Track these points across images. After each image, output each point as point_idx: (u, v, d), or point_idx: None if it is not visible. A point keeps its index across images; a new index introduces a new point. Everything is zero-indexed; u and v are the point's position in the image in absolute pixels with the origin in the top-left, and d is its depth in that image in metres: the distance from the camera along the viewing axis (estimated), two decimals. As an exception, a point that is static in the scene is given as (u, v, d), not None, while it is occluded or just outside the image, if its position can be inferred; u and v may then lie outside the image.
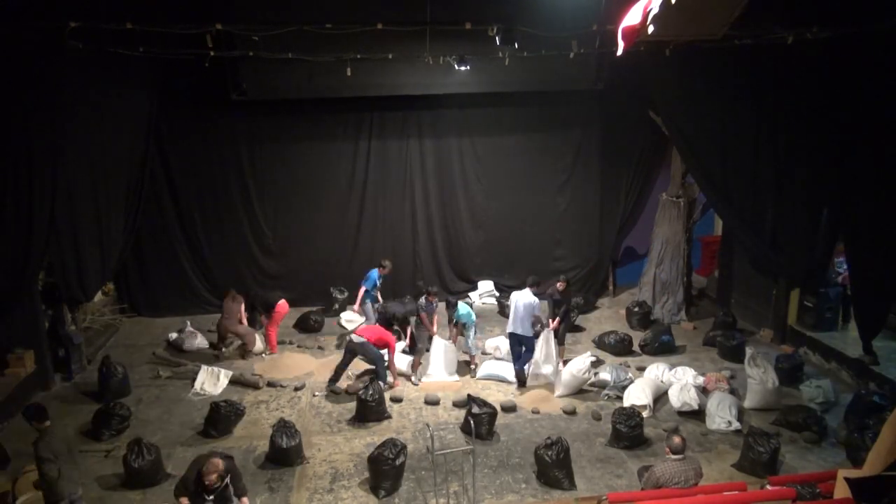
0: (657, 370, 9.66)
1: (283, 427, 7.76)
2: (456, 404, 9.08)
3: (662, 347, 10.70)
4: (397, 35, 9.32)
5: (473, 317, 10.25)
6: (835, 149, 9.18)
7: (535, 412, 8.91)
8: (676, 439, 5.96)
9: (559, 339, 9.96)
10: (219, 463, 5.77)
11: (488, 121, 12.61)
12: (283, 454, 7.64)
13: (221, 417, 8.34)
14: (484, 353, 10.59)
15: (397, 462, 7.13)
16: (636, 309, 11.88)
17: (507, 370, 9.81)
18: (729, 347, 10.55)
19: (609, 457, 7.89)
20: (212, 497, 5.71)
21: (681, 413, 8.71)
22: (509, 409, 8.92)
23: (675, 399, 8.79)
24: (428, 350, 10.10)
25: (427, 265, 13.20)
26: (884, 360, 9.34)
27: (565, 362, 9.60)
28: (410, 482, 7.37)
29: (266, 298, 11.00)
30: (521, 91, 11.78)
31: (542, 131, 12.77)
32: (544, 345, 9.34)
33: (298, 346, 11.13)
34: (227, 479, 5.84)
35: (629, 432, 7.99)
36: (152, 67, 10.19)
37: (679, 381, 9.18)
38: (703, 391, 9.11)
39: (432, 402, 9.19)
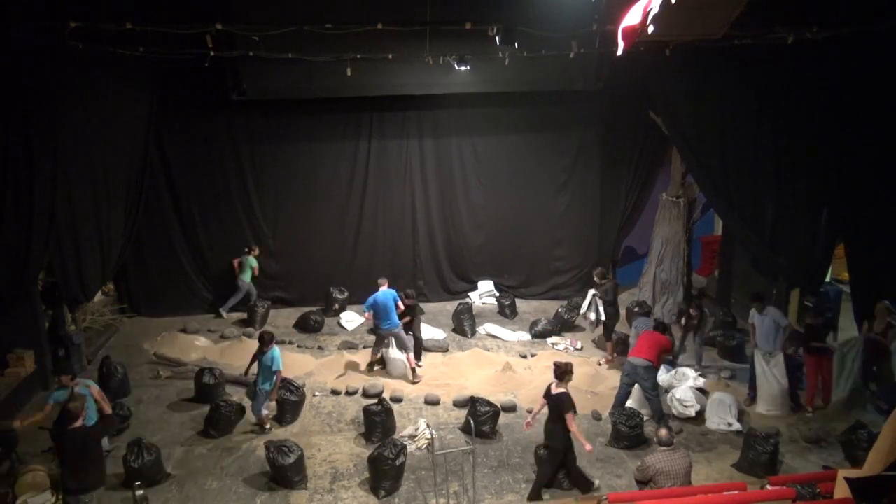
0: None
1: (277, 446, 7.31)
2: (456, 404, 9.08)
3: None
4: (397, 35, 9.31)
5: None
6: (835, 148, 9.18)
7: (536, 412, 8.91)
8: (663, 432, 6.23)
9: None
10: None
11: (488, 121, 12.61)
12: (280, 472, 7.27)
13: (221, 417, 8.35)
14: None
15: (397, 462, 7.13)
16: (636, 309, 11.84)
17: None
18: (729, 347, 10.55)
19: (609, 457, 7.89)
20: None
21: (679, 417, 8.71)
22: (509, 408, 8.92)
23: (677, 405, 8.75)
24: None
25: (427, 265, 13.20)
26: (884, 359, 9.33)
27: None
28: (410, 482, 7.37)
29: None
30: (522, 91, 11.77)
31: (543, 131, 12.76)
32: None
33: (298, 346, 11.13)
34: None
35: (629, 432, 8.00)
36: (152, 67, 10.19)
37: (679, 382, 9.16)
38: (703, 392, 9.11)
39: (432, 402, 9.19)
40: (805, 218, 9.83)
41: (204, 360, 10.49)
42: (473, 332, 11.62)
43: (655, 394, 8.36)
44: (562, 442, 6.90)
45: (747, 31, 8.41)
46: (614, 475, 7.52)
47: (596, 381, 9.68)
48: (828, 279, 10.56)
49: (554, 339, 11.31)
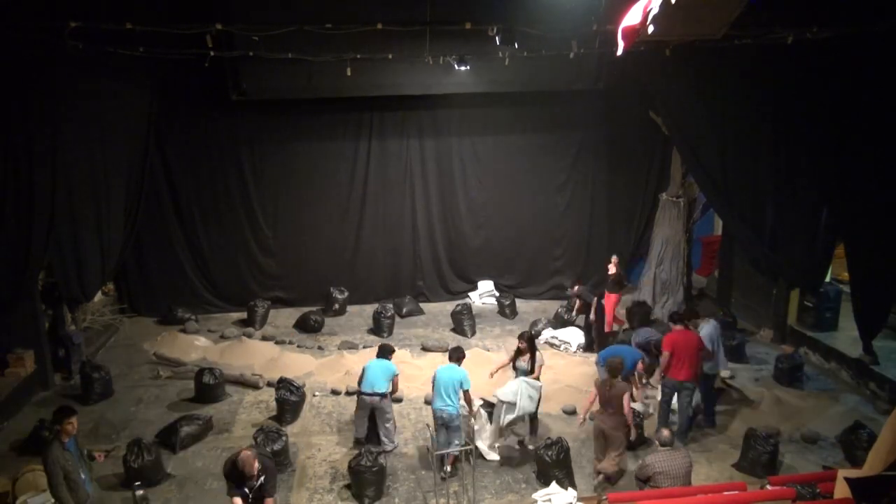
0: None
1: (266, 433, 7.49)
2: (456, 404, 9.06)
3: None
4: (397, 35, 9.32)
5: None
6: (835, 149, 9.17)
7: (535, 412, 8.89)
8: (665, 432, 6.26)
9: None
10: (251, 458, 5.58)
11: (488, 121, 12.61)
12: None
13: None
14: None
15: (375, 469, 7.03)
16: (636, 309, 11.86)
17: None
18: (729, 347, 10.53)
19: (609, 457, 7.87)
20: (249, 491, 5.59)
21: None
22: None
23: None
24: None
25: (427, 265, 13.21)
26: (884, 360, 9.34)
27: None
28: (410, 482, 7.37)
29: None
30: (521, 91, 11.77)
31: (542, 131, 12.77)
32: None
33: (298, 346, 11.12)
34: (263, 477, 5.64)
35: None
36: (152, 67, 10.19)
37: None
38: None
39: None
40: (805, 218, 9.83)
41: (204, 360, 10.48)
42: (473, 332, 11.62)
43: (691, 409, 8.18)
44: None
45: (747, 31, 8.41)
46: (614, 475, 7.51)
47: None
48: (828, 279, 10.56)
49: (550, 332, 11.28)
